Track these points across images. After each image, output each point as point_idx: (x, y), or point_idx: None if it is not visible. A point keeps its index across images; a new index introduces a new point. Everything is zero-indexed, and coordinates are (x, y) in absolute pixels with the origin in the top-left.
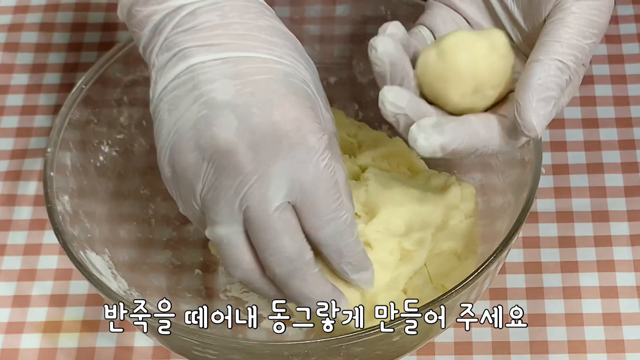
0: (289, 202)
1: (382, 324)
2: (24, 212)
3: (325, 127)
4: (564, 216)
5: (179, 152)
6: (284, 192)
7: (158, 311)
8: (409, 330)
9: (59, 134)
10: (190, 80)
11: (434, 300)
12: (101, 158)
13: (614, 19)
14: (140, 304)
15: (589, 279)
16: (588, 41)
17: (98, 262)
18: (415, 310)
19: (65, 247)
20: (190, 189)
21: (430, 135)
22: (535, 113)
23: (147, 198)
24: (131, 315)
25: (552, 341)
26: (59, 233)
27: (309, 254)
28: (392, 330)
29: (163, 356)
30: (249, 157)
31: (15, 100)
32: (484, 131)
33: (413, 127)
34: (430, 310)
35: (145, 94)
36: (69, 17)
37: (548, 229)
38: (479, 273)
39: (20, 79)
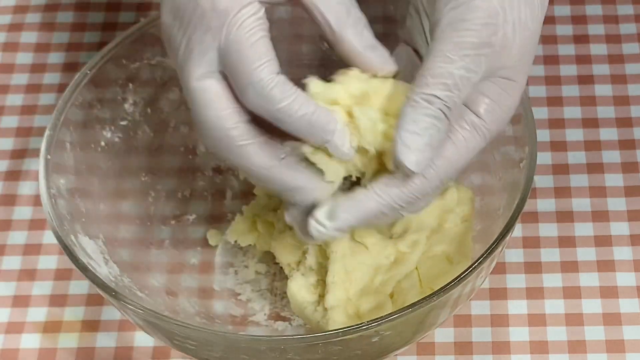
0: (219, 72)
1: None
2: (24, 212)
3: None
4: (564, 216)
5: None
6: (206, 61)
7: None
8: (385, 332)
9: (60, 116)
10: None
11: (414, 302)
12: (103, 143)
13: (614, 19)
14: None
15: (589, 279)
16: (455, 65)
17: (90, 247)
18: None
19: (54, 229)
20: None
21: (322, 225)
22: (410, 148)
23: (147, 186)
24: (114, 299)
25: (552, 341)
26: (49, 215)
27: (240, 125)
28: (368, 330)
29: (163, 356)
30: (178, 30)
31: (15, 100)
32: (375, 200)
33: (310, 221)
34: (411, 313)
35: (150, 82)
36: (69, 17)
37: (548, 229)
38: (460, 280)
39: (20, 79)
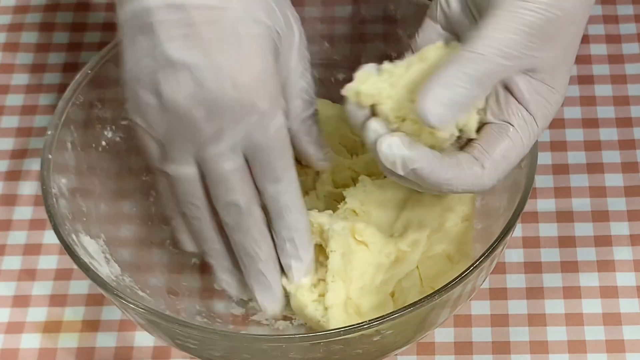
0: (243, 159)
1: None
2: (24, 212)
3: (278, 95)
4: (564, 216)
5: (140, 86)
6: (239, 150)
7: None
8: (386, 331)
9: (61, 116)
10: (145, 25)
11: (415, 302)
12: (104, 143)
13: (614, 19)
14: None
15: (589, 279)
16: (512, 34)
17: (91, 246)
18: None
19: (56, 229)
20: (151, 120)
21: (397, 146)
22: (432, 100)
23: (148, 185)
24: (115, 298)
25: (552, 341)
26: (51, 215)
27: (258, 210)
28: (370, 329)
29: (163, 356)
30: (205, 119)
31: (15, 100)
32: (451, 170)
33: (385, 135)
34: (412, 312)
35: None
36: (69, 17)
37: (548, 229)
38: (461, 279)
39: (20, 79)
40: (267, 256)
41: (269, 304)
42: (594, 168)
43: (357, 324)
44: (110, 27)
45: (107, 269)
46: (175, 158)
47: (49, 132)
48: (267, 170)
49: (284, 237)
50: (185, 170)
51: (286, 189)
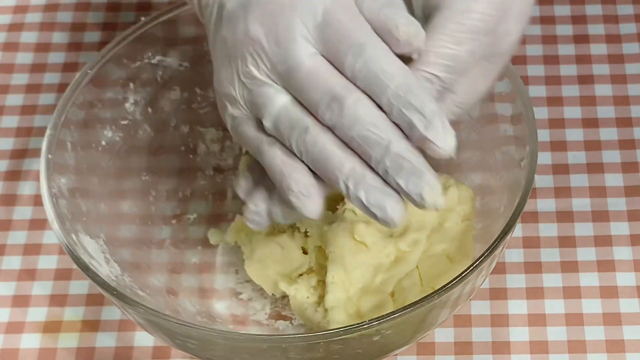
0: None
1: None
2: (24, 212)
3: None
4: (564, 216)
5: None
6: (310, 41)
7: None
8: (386, 331)
9: (61, 116)
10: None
11: (415, 302)
12: (103, 143)
13: (614, 19)
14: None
15: (589, 279)
16: (462, 47)
17: (91, 246)
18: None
19: (55, 229)
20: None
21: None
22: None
23: (148, 185)
24: (115, 298)
25: (552, 341)
26: (51, 215)
27: (359, 93)
28: (369, 329)
29: (163, 356)
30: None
31: (15, 100)
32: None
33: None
34: (412, 312)
35: (151, 81)
36: (69, 17)
37: (548, 229)
38: (461, 279)
39: (20, 78)
40: (393, 138)
41: (429, 193)
42: (594, 168)
43: (357, 324)
44: (110, 27)
45: (107, 269)
46: (264, 103)
47: (49, 132)
48: (344, 41)
49: (399, 108)
50: (280, 101)
51: (374, 53)
